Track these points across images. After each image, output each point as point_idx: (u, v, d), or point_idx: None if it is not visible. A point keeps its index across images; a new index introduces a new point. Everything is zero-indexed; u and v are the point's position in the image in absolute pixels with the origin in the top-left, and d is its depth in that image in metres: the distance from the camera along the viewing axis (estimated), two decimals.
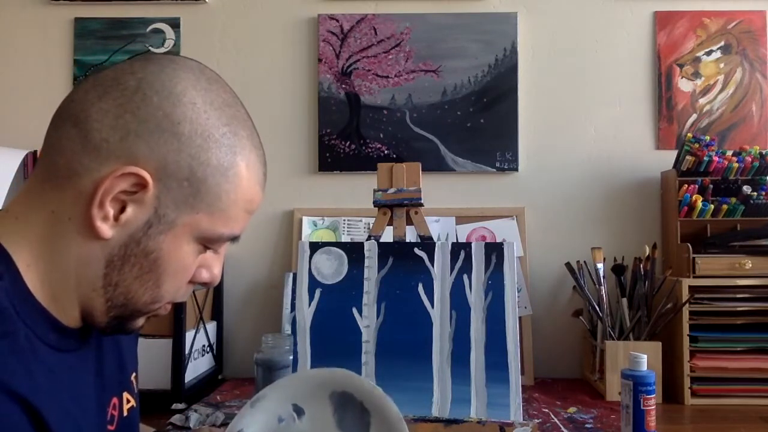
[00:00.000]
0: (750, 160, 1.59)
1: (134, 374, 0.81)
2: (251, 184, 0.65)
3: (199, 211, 0.61)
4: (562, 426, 1.28)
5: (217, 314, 1.74)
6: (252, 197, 0.65)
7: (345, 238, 1.74)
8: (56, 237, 0.59)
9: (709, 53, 1.79)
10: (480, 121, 1.78)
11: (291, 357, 1.18)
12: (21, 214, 0.60)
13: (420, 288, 1.19)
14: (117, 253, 0.60)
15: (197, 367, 1.57)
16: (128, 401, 0.77)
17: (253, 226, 1.79)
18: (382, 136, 1.79)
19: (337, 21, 1.81)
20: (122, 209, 0.59)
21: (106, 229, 0.59)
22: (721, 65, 1.79)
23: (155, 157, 0.59)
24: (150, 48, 1.83)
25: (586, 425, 1.29)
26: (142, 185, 0.59)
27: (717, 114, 1.78)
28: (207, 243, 0.64)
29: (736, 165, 1.58)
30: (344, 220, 1.76)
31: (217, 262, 0.67)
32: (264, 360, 1.29)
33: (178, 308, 1.45)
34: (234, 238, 0.66)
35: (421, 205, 1.26)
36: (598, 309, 1.56)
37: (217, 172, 0.61)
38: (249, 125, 0.65)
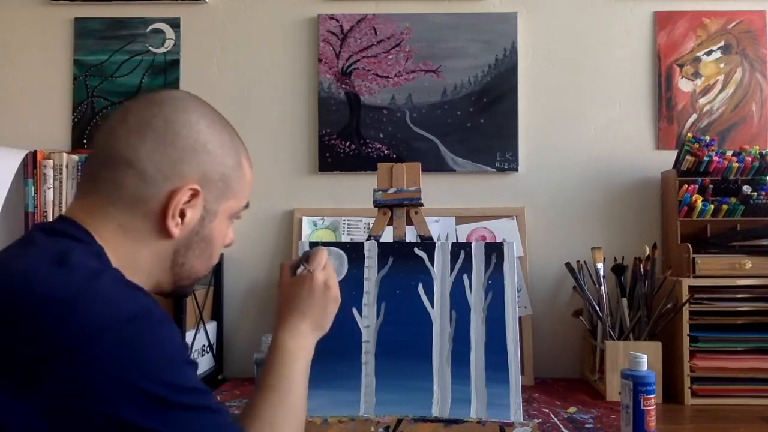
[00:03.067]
0: (750, 160, 1.58)
1: None
2: (250, 169, 0.90)
3: (229, 198, 0.85)
4: (562, 426, 1.28)
5: (217, 314, 1.74)
6: (251, 177, 0.90)
7: (345, 238, 1.74)
8: (127, 241, 0.78)
9: (709, 53, 1.79)
10: (480, 121, 1.78)
11: None
12: (91, 226, 0.77)
13: (420, 288, 1.19)
14: (182, 244, 0.81)
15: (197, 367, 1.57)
16: None
17: (253, 226, 1.79)
18: (382, 136, 1.79)
19: (337, 21, 1.81)
20: (183, 214, 0.80)
21: (177, 232, 0.80)
22: (721, 65, 1.79)
23: (197, 172, 0.80)
24: (150, 48, 1.83)
25: (586, 425, 1.29)
26: (195, 195, 0.80)
27: (717, 114, 1.78)
28: (234, 216, 0.88)
29: (736, 165, 1.58)
30: (344, 220, 1.76)
31: (231, 228, 0.90)
32: (264, 360, 1.29)
33: (178, 308, 1.45)
34: (246, 206, 0.90)
35: (421, 205, 1.26)
36: (598, 309, 1.56)
37: (234, 169, 0.85)
38: (231, 127, 0.87)
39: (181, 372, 0.69)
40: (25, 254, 0.72)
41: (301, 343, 0.91)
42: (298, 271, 0.98)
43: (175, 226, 0.79)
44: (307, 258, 0.98)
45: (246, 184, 0.88)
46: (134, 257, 0.79)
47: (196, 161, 0.80)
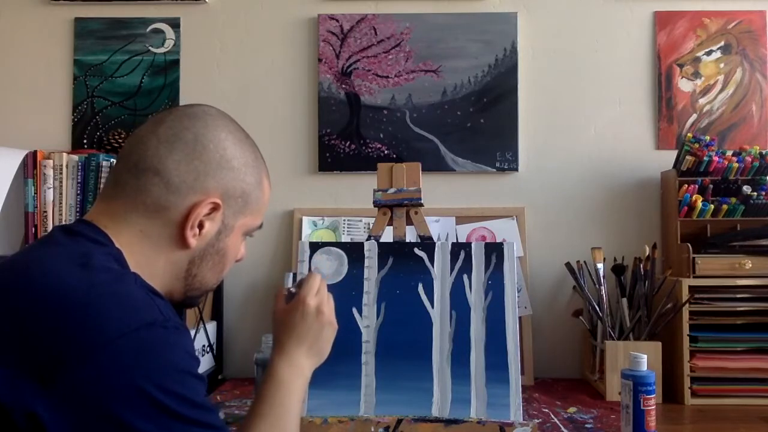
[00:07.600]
0: (750, 160, 1.58)
1: None
2: (269, 189, 0.92)
3: (246, 215, 0.88)
4: (562, 426, 1.28)
5: (217, 314, 1.74)
6: (269, 197, 0.93)
7: (345, 238, 1.74)
8: (145, 247, 0.80)
9: (709, 53, 1.79)
10: (480, 121, 1.78)
11: None
12: (111, 230, 0.79)
13: (420, 288, 1.19)
14: (197, 254, 0.84)
15: None
16: None
17: None
18: (382, 136, 1.79)
19: (337, 21, 1.81)
20: (201, 226, 0.82)
21: (194, 242, 0.82)
22: (721, 65, 1.79)
23: (220, 186, 0.83)
24: (150, 48, 1.83)
25: (586, 425, 1.29)
26: (215, 208, 0.83)
27: (717, 114, 1.78)
28: (248, 233, 0.91)
29: (736, 165, 1.58)
30: (344, 220, 1.76)
31: (244, 244, 0.94)
32: (264, 360, 1.29)
33: (179, 309, 1.45)
34: (260, 226, 0.93)
35: (421, 205, 1.26)
36: (598, 309, 1.56)
37: (255, 187, 0.88)
38: (256, 146, 0.91)
39: (189, 385, 0.69)
40: (47, 254, 0.74)
41: (295, 371, 0.91)
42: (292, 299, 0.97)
43: (192, 237, 0.82)
44: (300, 284, 0.98)
45: (264, 204, 0.91)
46: (150, 264, 0.81)
47: (220, 176, 0.83)
